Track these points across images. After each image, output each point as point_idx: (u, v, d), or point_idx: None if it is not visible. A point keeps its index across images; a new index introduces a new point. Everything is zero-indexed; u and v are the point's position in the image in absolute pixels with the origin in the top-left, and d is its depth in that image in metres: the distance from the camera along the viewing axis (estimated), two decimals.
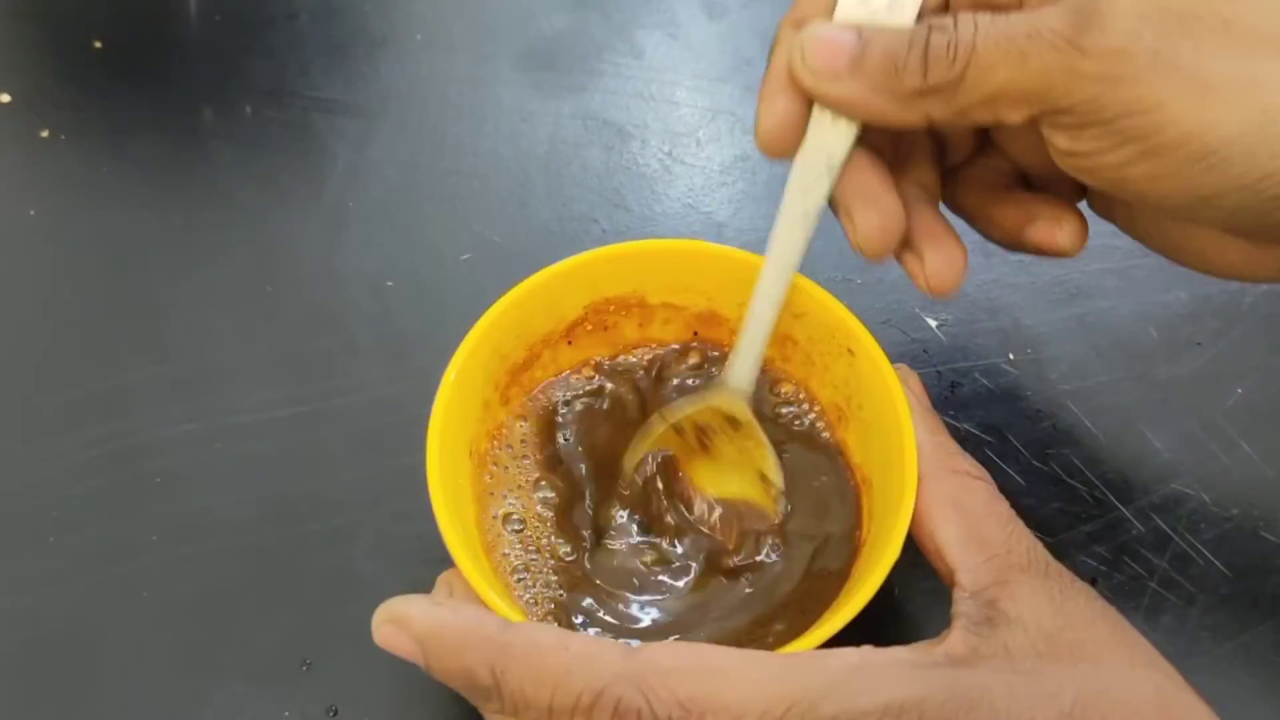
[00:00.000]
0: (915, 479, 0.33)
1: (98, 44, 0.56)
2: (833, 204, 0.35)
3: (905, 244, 0.35)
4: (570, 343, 0.41)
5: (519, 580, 0.37)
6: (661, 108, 0.55)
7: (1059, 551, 0.33)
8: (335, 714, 0.37)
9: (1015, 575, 0.31)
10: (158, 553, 0.40)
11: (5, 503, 0.41)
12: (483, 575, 0.33)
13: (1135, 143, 0.30)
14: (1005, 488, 0.34)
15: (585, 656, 0.27)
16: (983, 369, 0.46)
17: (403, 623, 0.29)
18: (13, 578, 0.39)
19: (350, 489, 0.42)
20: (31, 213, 0.50)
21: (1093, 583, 0.32)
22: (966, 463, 0.34)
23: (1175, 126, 0.29)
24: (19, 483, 0.42)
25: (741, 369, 0.38)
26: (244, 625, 0.39)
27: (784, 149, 0.34)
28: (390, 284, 0.48)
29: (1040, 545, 0.32)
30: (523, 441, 0.40)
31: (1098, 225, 0.51)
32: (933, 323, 0.47)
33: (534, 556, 0.37)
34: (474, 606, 0.29)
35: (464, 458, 0.37)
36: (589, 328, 0.41)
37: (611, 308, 0.41)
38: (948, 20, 0.31)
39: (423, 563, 0.40)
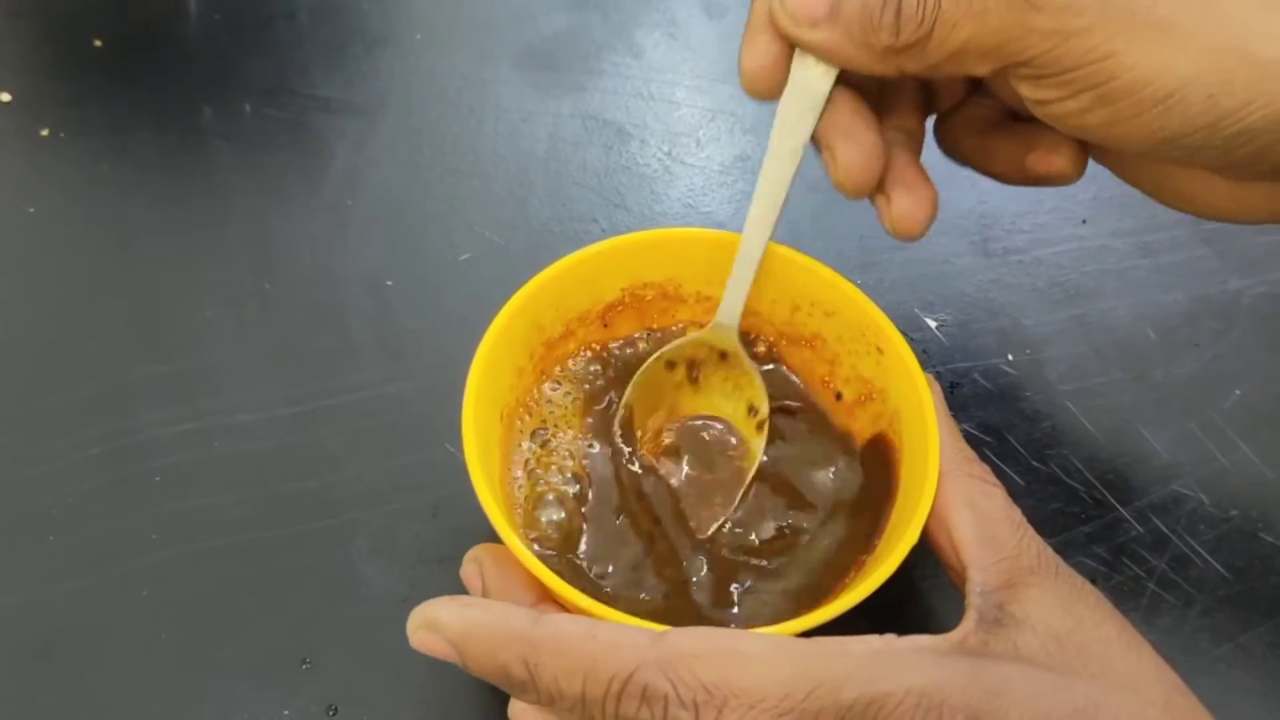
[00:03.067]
0: (936, 474, 0.34)
1: (98, 43, 0.56)
2: (815, 142, 0.36)
3: (878, 185, 0.36)
4: (605, 325, 0.41)
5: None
6: (661, 108, 0.55)
7: (1058, 552, 0.33)
8: (335, 713, 0.37)
9: (1025, 578, 0.31)
10: (158, 552, 0.40)
11: (6, 501, 0.41)
12: (520, 540, 0.33)
13: (1091, 91, 0.31)
14: (1002, 485, 0.34)
15: (612, 644, 0.28)
16: (982, 369, 0.46)
17: (436, 627, 0.29)
18: (13, 576, 0.39)
19: (349, 488, 0.42)
20: (31, 211, 0.50)
21: (1091, 583, 0.32)
22: (982, 469, 0.35)
23: (1129, 73, 0.30)
24: (19, 482, 0.42)
25: (729, 303, 0.39)
26: (244, 624, 0.39)
27: (768, 90, 0.35)
28: (389, 283, 0.48)
29: (1050, 549, 0.32)
30: (548, 401, 0.40)
31: (1096, 226, 0.51)
32: (932, 323, 0.48)
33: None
34: (502, 604, 0.30)
35: (494, 420, 0.37)
36: (624, 311, 0.41)
37: (649, 294, 0.41)
38: None
39: (421, 562, 0.40)
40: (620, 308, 0.41)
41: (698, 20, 0.59)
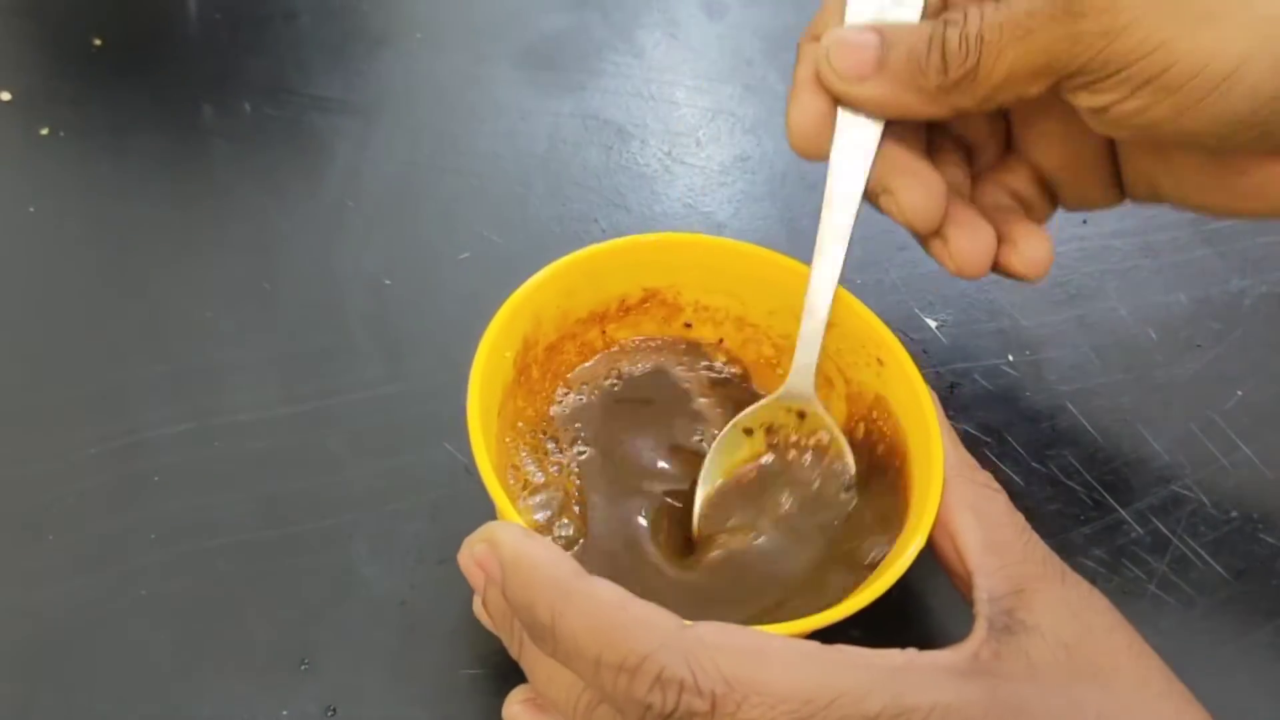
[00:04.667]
0: (940, 482, 0.34)
1: (97, 42, 0.56)
2: (870, 196, 0.36)
3: (932, 231, 0.36)
4: (604, 332, 0.41)
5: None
6: (661, 108, 0.55)
7: (1058, 554, 0.33)
8: (334, 713, 0.37)
9: (1032, 584, 0.31)
10: (156, 551, 0.40)
11: (4, 500, 0.41)
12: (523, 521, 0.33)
13: (1149, 84, 0.31)
14: (1004, 489, 0.34)
15: (640, 620, 0.28)
16: (982, 370, 0.46)
17: (495, 544, 0.30)
18: (11, 575, 0.39)
19: (348, 488, 0.42)
20: (31, 210, 0.50)
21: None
22: (984, 476, 0.35)
23: (1184, 60, 0.30)
24: (18, 480, 0.42)
25: (801, 365, 0.38)
26: (242, 624, 0.39)
27: (817, 148, 0.36)
28: (388, 283, 0.48)
29: (1055, 555, 0.32)
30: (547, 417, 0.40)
31: (1097, 226, 0.51)
32: (932, 324, 0.47)
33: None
34: (558, 548, 0.30)
35: (492, 417, 0.37)
36: (622, 316, 0.41)
37: (647, 301, 0.41)
38: (958, 14, 0.32)
39: (420, 562, 0.40)
40: (618, 313, 0.41)
41: (698, 20, 0.59)
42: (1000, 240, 0.37)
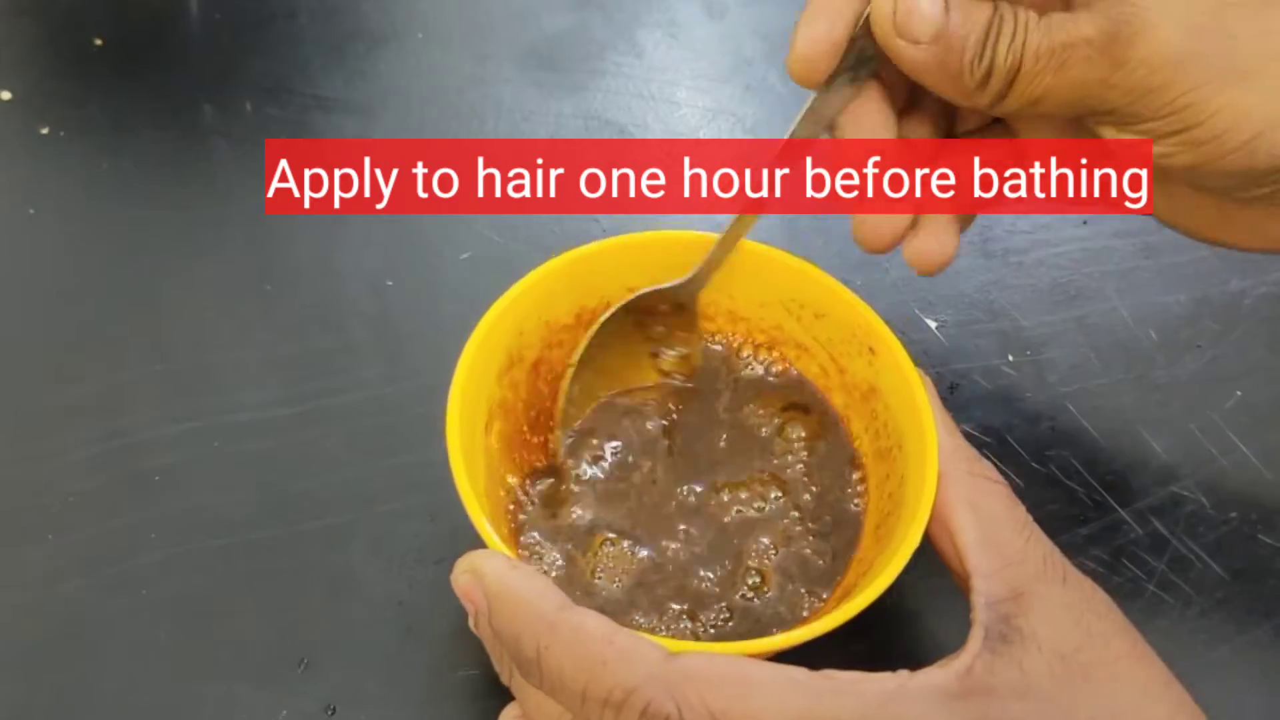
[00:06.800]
0: (935, 475, 0.33)
1: (98, 41, 0.56)
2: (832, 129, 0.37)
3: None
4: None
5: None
6: (661, 108, 0.55)
7: None
8: (333, 713, 0.37)
9: (1031, 587, 0.30)
10: (156, 551, 0.40)
11: (4, 500, 0.41)
12: (505, 545, 0.33)
13: (1176, 136, 0.32)
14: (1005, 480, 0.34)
15: (625, 652, 0.28)
16: (982, 370, 0.46)
17: (479, 576, 0.30)
18: (11, 575, 0.39)
19: (348, 488, 0.42)
20: (31, 210, 0.50)
21: None
22: (984, 467, 0.34)
23: (1215, 119, 0.31)
24: (18, 480, 0.42)
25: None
26: (241, 624, 0.39)
27: (817, 77, 0.35)
28: (389, 283, 0.48)
29: (1058, 551, 0.32)
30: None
31: (1097, 227, 0.51)
32: (932, 324, 0.47)
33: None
34: (543, 579, 0.30)
35: (478, 433, 0.37)
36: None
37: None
38: (1011, 16, 0.32)
39: (419, 563, 0.40)
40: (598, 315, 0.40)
41: (699, 20, 0.59)
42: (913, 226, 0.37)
